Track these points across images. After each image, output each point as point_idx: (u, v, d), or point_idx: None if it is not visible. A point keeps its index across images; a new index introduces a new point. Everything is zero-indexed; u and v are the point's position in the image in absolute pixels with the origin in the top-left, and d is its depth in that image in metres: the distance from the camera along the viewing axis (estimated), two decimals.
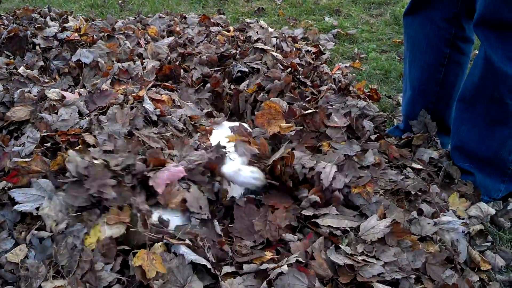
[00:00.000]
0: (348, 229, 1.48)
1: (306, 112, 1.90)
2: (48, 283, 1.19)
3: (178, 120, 1.88)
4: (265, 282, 1.27)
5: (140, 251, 1.27)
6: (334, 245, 1.42)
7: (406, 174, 1.78)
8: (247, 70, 2.59)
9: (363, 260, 1.36)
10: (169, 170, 1.50)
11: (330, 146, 1.75)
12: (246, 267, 1.33)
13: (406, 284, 1.32)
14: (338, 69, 2.93)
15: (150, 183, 1.44)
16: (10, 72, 2.35)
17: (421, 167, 1.85)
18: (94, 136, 1.65)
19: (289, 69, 2.56)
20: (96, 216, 1.36)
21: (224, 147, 1.64)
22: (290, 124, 1.86)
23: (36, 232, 1.35)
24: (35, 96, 2.05)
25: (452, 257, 1.44)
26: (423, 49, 1.95)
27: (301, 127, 1.88)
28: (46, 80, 2.36)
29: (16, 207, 1.39)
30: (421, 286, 1.32)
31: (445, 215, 1.58)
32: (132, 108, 1.87)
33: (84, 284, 1.18)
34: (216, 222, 1.46)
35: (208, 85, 2.43)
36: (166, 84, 2.38)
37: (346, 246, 1.41)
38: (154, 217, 1.41)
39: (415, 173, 1.81)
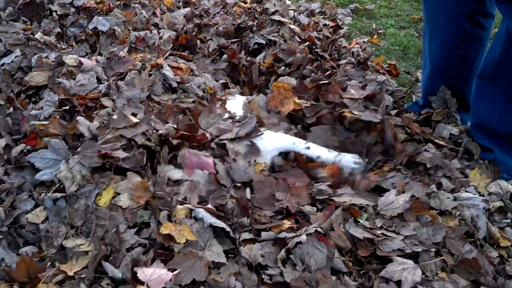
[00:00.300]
0: (365, 205, 1.46)
1: (321, 82, 1.88)
2: (69, 241, 1.19)
3: (197, 88, 1.86)
4: (283, 250, 1.27)
5: (166, 223, 1.27)
6: (353, 218, 1.41)
7: (426, 148, 1.76)
8: (264, 42, 2.56)
9: (382, 234, 1.35)
10: (200, 157, 1.49)
11: (351, 113, 1.71)
12: (264, 235, 1.33)
13: (426, 257, 1.32)
14: (356, 44, 2.89)
15: (179, 160, 1.45)
16: (28, 37, 2.33)
17: (441, 142, 1.83)
18: (113, 100, 1.64)
19: (307, 42, 2.52)
20: (108, 179, 1.37)
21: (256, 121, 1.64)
22: (304, 101, 1.84)
23: (50, 194, 1.36)
24: (52, 61, 2.04)
25: (472, 233, 1.43)
26: (443, 24, 1.91)
27: (316, 103, 1.85)
28: (63, 47, 2.34)
29: (37, 176, 1.40)
30: (441, 258, 1.32)
31: (466, 191, 1.57)
32: (150, 75, 1.86)
33: (106, 245, 1.19)
34: (247, 189, 1.47)
35: (225, 56, 2.40)
36: (183, 53, 2.35)
37: (365, 220, 1.40)
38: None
39: (436, 149, 1.79)
